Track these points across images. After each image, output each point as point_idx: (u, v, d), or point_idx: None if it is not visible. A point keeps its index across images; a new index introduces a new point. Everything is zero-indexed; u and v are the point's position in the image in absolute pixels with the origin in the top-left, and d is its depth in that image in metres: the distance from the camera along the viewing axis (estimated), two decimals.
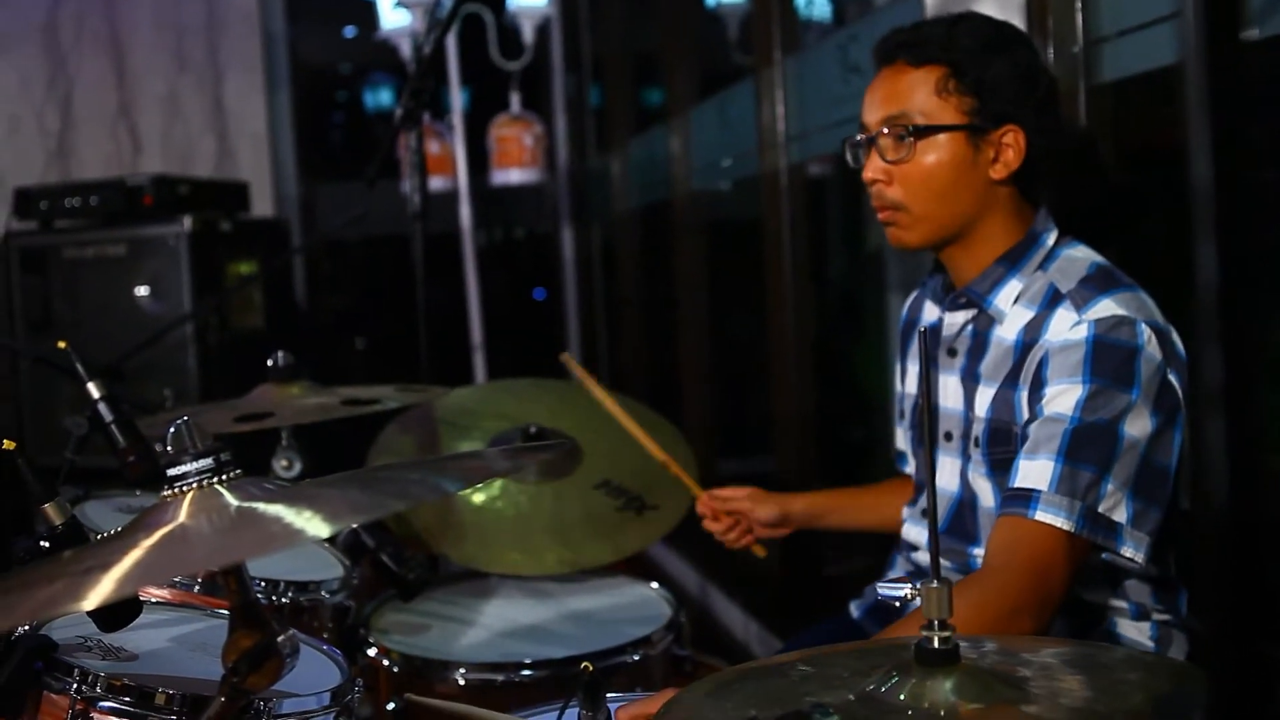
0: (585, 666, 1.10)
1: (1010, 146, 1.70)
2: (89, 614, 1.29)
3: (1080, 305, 1.62)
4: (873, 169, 1.75)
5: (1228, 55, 0.49)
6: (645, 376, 4.93)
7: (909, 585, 1.05)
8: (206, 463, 1.04)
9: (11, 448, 1.30)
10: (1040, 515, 1.53)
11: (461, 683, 1.92)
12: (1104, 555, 1.60)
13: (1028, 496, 1.55)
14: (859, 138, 1.78)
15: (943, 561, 1.81)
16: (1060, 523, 1.53)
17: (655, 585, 2.26)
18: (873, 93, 1.77)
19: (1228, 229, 0.46)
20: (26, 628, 1.32)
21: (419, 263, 2.79)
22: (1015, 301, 1.71)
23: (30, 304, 3.81)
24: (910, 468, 2.08)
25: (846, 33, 2.87)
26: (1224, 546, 0.50)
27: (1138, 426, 1.56)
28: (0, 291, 3.82)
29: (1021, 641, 1.21)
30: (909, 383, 2.01)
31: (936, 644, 1.02)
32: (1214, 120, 0.47)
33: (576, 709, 1.15)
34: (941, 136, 1.70)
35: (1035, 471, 1.56)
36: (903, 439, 2.09)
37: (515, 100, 4.77)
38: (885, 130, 1.73)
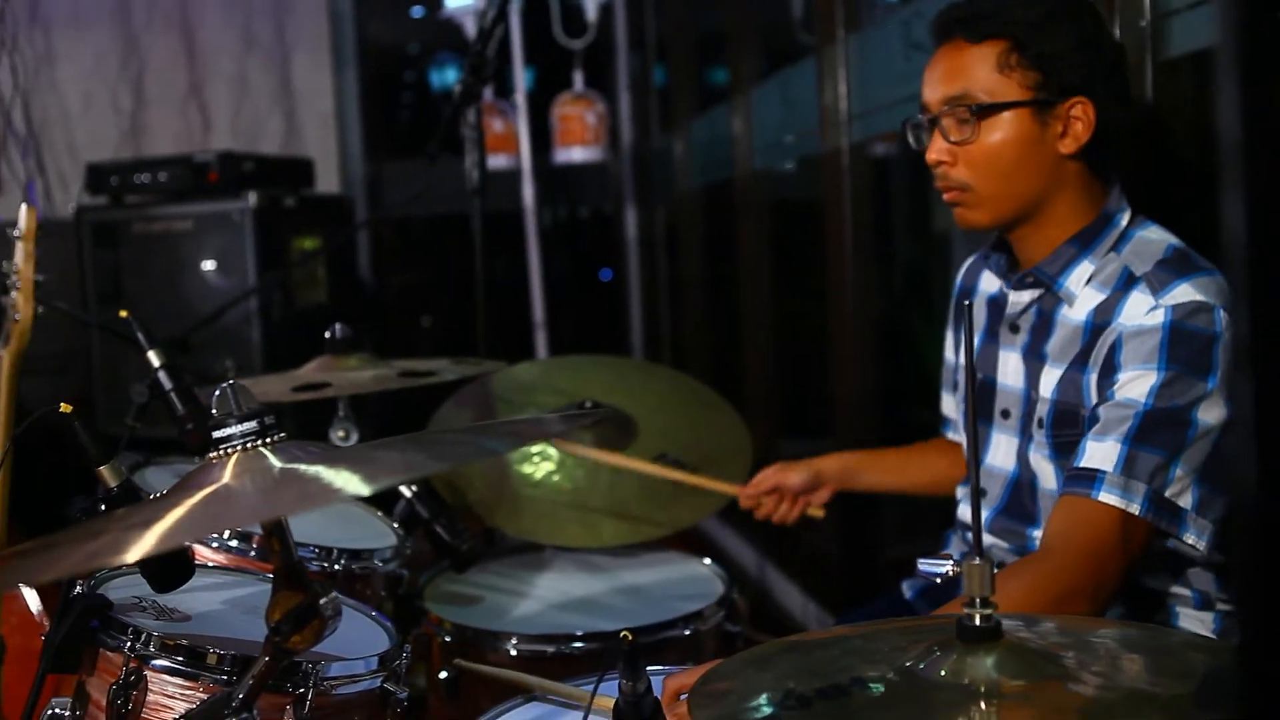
0: (625, 635, 1.10)
1: (1079, 119, 1.64)
2: (143, 576, 1.32)
3: (1157, 289, 1.57)
4: (936, 150, 1.70)
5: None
6: (707, 357, 4.91)
7: (950, 562, 1.04)
8: (250, 425, 1.05)
9: (68, 411, 1.33)
10: (1103, 496, 1.51)
11: (513, 653, 1.94)
12: (1168, 542, 1.57)
13: (1091, 477, 1.52)
14: (920, 119, 1.74)
15: (1000, 543, 1.80)
16: (1123, 505, 1.50)
17: (708, 561, 2.26)
18: (932, 71, 1.73)
19: (1257, 180, 0.45)
20: (84, 587, 1.35)
21: (478, 239, 2.81)
22: (1087, 283, 1.66)
23: (101, 277, 3.88)
24: (956, 435, 2.06)
25: (911, 9, 2.82)
26: (1249, 527, 0.48)
27: (1213, 414, 1.52)
28: (73, 265, 3.89)
29: (1081, 622, 1.19)
30: (962, 353, 1.98)
31: (978, 621, 1.00)
32: (1243, 72, 0.45)
33: (616, 679, 1.15)
34: (1006, 114, 1.65)
35: (1101, 453, 1.53)
36: (952, 407, 2.07)
37: (578, 79, 4.78)
38: (947, 110, 1.68)
